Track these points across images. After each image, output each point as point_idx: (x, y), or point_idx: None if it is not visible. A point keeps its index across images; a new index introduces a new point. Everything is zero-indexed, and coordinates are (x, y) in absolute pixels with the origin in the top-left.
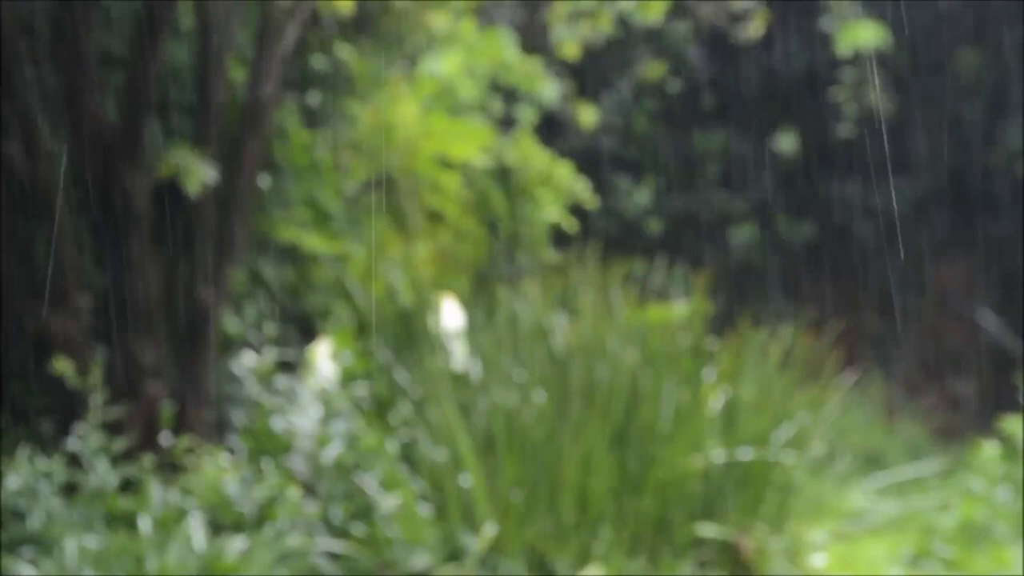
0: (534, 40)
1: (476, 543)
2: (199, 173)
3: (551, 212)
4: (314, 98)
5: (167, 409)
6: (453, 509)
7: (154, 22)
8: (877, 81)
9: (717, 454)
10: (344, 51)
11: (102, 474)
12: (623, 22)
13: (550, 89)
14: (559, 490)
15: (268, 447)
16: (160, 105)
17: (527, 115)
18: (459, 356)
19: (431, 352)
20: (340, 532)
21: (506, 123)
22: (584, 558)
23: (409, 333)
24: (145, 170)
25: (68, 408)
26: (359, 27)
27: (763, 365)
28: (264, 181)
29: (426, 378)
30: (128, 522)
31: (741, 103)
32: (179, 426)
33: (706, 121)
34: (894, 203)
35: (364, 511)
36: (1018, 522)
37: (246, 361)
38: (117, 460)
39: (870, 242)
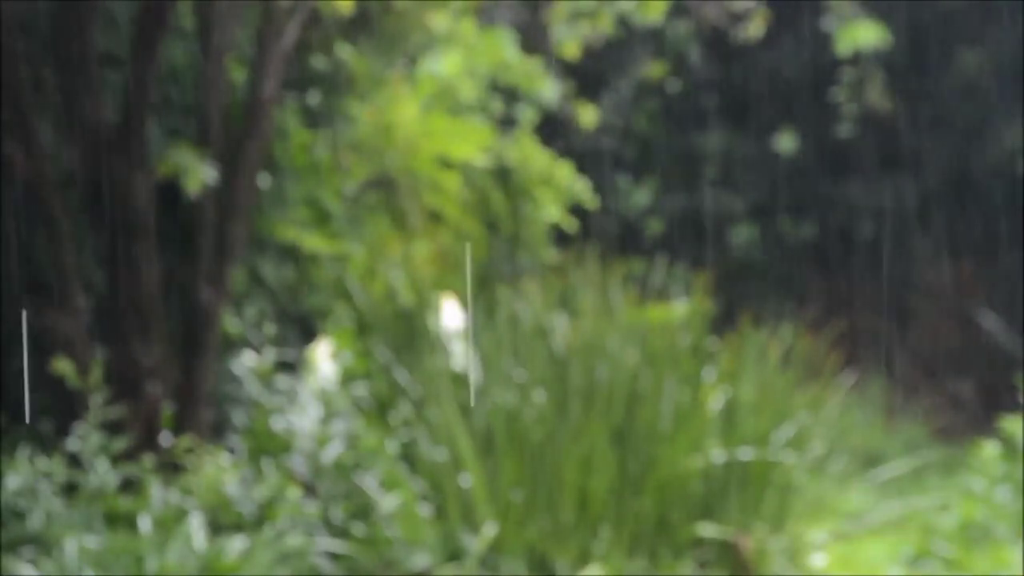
0: (534, 40)
1: (476, 543)
2: (199, 173)
3: (551, 212)
4: (314, 98)
5: (167, 409)
6: (453, 509)
7: (154, 22)
8: (877, 81)
9: (717, 454)
10: (344, 51)
11: (102, 474)
12: (623, 22)
13: (550, 89)
14: (559, 490)
15: (268, 447)
16: (160, 105)
17: (527, 115)
18: (459, 356)
19: (431, 352)
20: (340, 532)
21: (506, 123)
22: (584, 558)
23: (409, 333)
24: (145, 170)
25: (68, 408)
26: (359, 27)
27: (763, 365)
28: (264, 181)
29: (426, 378)
30: (128, 522)
31: (741, 103)
32: (179, 426)
33: (706, 121)
34: (894, 203)
35: (364, 511)
36: (1018, 522)
37: (246, 361)
38: (117, 460)
39: (870, 242)
